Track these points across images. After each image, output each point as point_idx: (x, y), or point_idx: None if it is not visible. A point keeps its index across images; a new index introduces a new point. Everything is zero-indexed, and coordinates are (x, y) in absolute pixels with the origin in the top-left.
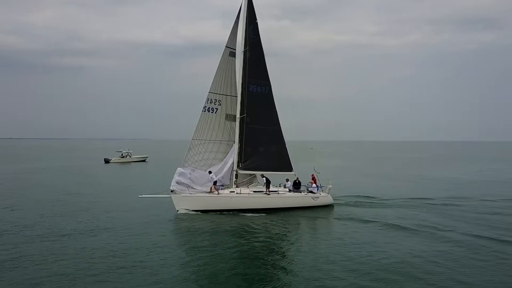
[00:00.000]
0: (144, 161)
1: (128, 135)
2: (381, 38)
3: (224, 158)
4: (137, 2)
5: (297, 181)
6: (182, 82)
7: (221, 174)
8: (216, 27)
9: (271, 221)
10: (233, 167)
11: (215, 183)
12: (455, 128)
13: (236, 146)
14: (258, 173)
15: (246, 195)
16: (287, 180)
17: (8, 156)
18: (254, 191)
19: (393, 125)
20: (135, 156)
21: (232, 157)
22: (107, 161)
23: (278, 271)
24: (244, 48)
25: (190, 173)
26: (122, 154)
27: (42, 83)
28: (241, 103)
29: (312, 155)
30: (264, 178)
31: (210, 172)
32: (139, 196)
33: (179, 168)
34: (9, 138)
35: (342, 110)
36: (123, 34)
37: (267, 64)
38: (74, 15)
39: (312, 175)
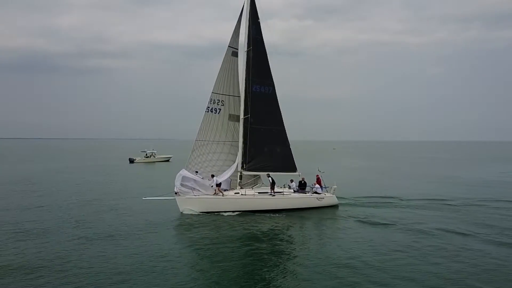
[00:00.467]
0: (168, 161)
1: (153, 134)
2: (406, 36)
3: (227, 159)
4: (160, 3)
5: (302, 182)
6: (206, 82)
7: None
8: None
9: (276, 222)
10: (237, 169)
11: (219, 185)
12: (484, 127)
13: (240, 147)
14: (262, 174)
15: (251, 197)
16: (291, 180)
17: (38, 155)
18: (259, 192)
19: (421, 124)
20: (159, 156)
21: (236, 164)
22: (131, 161)
23: (283, 272)
24: (248, 48)
25: (194, 179)
26: (146, 154)
27: (67, 84)
28: (244, 103)
29: (333, 155)
30: (270, 178)
31: (213, 176)
32: (143, 198)
33: (183, 170)
34: (39, 138)
35: (367, 110)
36: (147, 35)
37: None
38: (99, 17)
39: (317, 175)
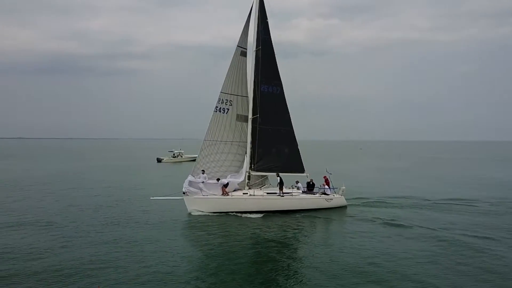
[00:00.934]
0: (194, 160)
1: (180, 135)
2: (435, 34)
3: (234, 159)
4: (185, 5)
5: (311, 183)
6: None
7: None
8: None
9: (284, 222)
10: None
11: (226, 185)
12: None
13: (248, 147)
14: (270, 174)
15: (260, 197)
16: (297, 182)
17: (73, 154)
18: (267, 193)
19: (450, 124)
20: (186, 156)
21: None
22: (159, 160)
23: (291, 273)
24: (256, 47)
25: (201, 182)
26: (173, 154)
27: (97, 86)
28: (253, 103)
29: (358, 155)
30: (278, 178)
31: (218, 180)
32: (151, 198)
33: (189, 176)
34: (69, 138)
35: (395, 109)
36: (172, 37)
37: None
38: (126, 20)
39: (325, 176)
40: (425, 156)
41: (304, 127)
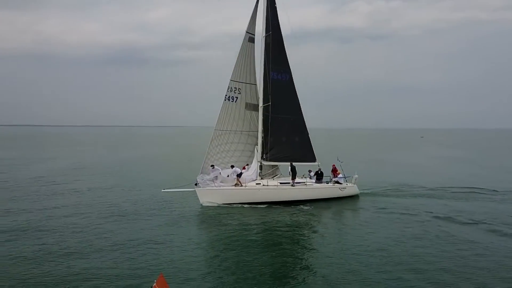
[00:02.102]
0: None
1: None
2: (508, 13)
3: (245, 149)
4: None
5: (319, 172)
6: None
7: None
8: (321, 12)
9: (298, 213)
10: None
11: (239, 175)
12: None
13: (259, 136)
14: (282, 164)
15: (274, 187)
16: (310, 171)
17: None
18: (280, 183)
19: None
20: None
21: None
22: None
23: (304, 266)
24: (266, 33)
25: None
26: None
27: (156, 76)
28: (264, 90)
29: (420, 143)
30: (291, 168)
31: (232, 166)
32: (162, 190)
33: (199, 177)
34: (130, 126)
35: (460, 96)
36: (228, 25)
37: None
38: (185, 10)
39: (333, 165)
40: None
41: (357, 114)
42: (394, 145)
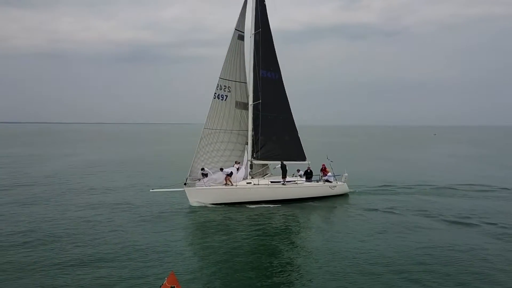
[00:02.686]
0: None
1: None
2: None
3: (235, 149)
4: None
5: (308, 171)
6: (301, 67)
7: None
8: (333, 9)
9: (290, 211)
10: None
11: (230, 175)
12: None
13: (249, 135)
14: (273, 162)
15: (266, 186)
16: (298, 170)
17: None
18: (271, 182)
19: None
20: None
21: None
22: None
23: (296, 267)
24: (256, 30)
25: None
26: None
27: (169, 73)
28: (254, 88)
29: (432, 141)
30: (281, 167)
31: (221, 169)
32: (151, 190)
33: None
34: (147, 123)
35: (473, 92)
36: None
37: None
38: (198, 8)
39: (323, 164)
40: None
41: (369, 112)
42: (402, 142)
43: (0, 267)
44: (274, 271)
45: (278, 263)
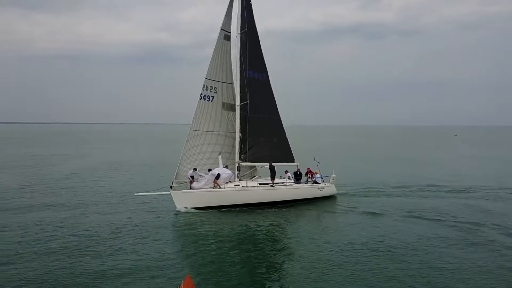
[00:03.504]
0: None
1: None
2: None
3: (222, 151)
4: None
5: (298, 172)
6: (317, 68)
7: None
8: (350, 9)
9: (278, 215)
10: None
11: (217, 177)
12: None
13: (237, 136)
14: (261, 164)
15: (254, 189)
16: (286, 172)
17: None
18: (260, 184)
19: None
20: None
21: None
22: None
23: (285, 271)
24: (241, 30)
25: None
26: None
27: (185, 75)
28: (241, 89)
29: (452, 142)
30: (270, 168)
31: (209, 170)
32: (135, 194)
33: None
34: (163, 124)
35: (496, 92)
36: (257, 22)
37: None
38: (216, 9)
39: (308, 168)
40: None
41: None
42: (426, 143)
43: None
44: (262, 274)
45: (265, 266)
